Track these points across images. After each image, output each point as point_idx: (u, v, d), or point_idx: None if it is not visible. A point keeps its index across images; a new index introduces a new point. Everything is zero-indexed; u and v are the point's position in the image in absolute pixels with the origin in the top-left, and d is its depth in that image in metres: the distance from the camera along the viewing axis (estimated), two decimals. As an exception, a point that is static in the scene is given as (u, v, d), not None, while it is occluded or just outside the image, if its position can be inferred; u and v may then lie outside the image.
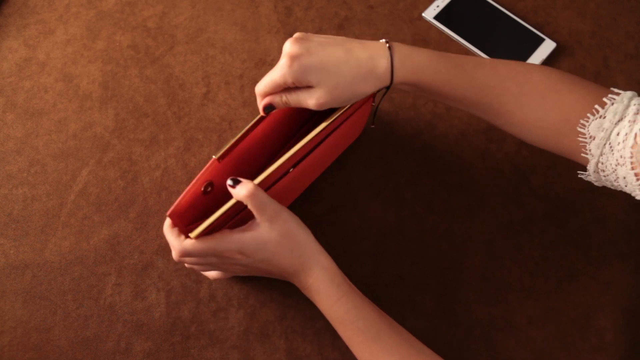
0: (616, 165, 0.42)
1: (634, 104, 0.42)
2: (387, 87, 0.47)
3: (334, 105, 0.46)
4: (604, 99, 0.43)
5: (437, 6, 0.70)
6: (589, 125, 0.43)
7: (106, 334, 0.55)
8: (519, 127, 0.48)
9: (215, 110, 0.65)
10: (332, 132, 0.52)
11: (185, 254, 0.45)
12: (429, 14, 0.70)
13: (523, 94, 0.46)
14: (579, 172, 0.48)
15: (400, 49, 0.46)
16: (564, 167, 0.62)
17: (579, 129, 0.44)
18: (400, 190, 0.61)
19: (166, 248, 0.58)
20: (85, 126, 0.65)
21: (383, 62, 0.45)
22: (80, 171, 0.62)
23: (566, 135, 0.45)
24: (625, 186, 0.43)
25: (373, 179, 0.62)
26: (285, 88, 0.46)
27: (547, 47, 0.67)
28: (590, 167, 0.45)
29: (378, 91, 0.49)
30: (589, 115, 0.43)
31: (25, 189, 0.61)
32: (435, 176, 0.62)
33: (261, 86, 0.46)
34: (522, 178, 0.61)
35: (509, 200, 0.61)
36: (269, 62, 0.68)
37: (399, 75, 0.46)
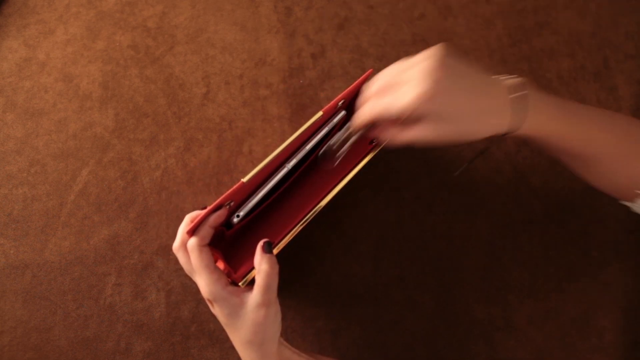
0: None
1: None
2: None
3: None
4: None
5: None
6: None
7: (106, 334, 0.55)
8: (600, 175, 0.48)
9: (215, 110, 0.65)
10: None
11: (182, 245, 0.46)
12: None
13: (617, 145, 0.46)
14: (621, 201, 0.49)
15: (533, 103, 0.43)
16: (564, 167, 0.62)
17: None
18: (400, 190, 0.61)
19: (166, 248, 0.58)
20: (85, 126, 0.65)
21: (518, 117, 0.43)
22: (80, 171, 0.62)
23: (635, 175, 0.46)
24: None
25: (373, 179, 0.62)
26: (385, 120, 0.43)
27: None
28: (638, 201, 0.46)
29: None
30: None
31: (25, 189, 0.61)
32: (435, 176, 0.62)
33: (371, 111, 0.43)
34: (522, 178, 0.61)
35: (509, 200, 0.61)
36: (269, 62, 0.68)
37: (525, 130, 0.44)
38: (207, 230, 0.44)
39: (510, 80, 0.44)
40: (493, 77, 0.44)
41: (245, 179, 0.45)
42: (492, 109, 0.42)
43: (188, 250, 0.45)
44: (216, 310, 0.45)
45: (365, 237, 0.59)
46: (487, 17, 0.71)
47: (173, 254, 0.58)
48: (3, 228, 0.59)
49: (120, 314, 0.56)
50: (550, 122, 0.44)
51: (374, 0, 0.72)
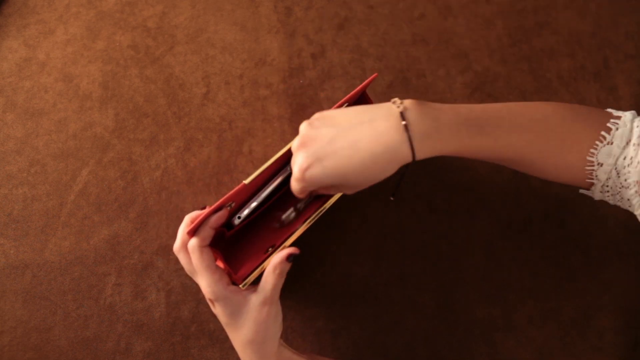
0: (620, 188, 0.43)
1: (637, 126, 0.43)
2: (407, 166, 0.44)
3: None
4: (608, 124, 0.43)
5: None
6: (598, 153, 0.43)
7: (106, 334, 0.55)
8: (540, 173, 0.47)
9: (215, 110, 0.65)
10: None
11: (183, 246, 0.46)
12: None
13: (540, 141, 0.45)
14: (580, 190, 0.48)
15: (418, 128, 0.40)
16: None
17: (589, 158, 0.44)
18: (400, 190, 0.61)
19: (166, 248, 0.58)
20: (85, 126, 0.65)
21: (403, 151, 0.40)
22: (80, 171, 0.62)
23: (577, 167, 0.45)
24: (629, 207, 0.44)
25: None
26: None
27: None
28: (596, 189, 0.45)
29: None
30: (597, 143, 0.43)
31: (25, 189, 0.61)
32: (435, 176, 0.62)
33: (296, 193, 0.45)
34: (522, 178, 0.61)
35: (509, 200, 0.61)
36: (269, 62, 0.68)
37: (420, 156, 0.41)
38: (207, 231, 0.44)
39: (394, 108, 0.42)
40: (373, 112, 0.42)
41: (247, 181, 0.45)
42: (375, 154, 0.40)
43: (189, 251, 0.45)
44: (218, 310, 0.45)
45: (365, 237, 0.59)
46: (487, 17, 0.71)
47: (173, 254, 0.58)
48: (3, 228, 0.59)
49: (120, 314, 0.56)
50: (448, 142, 0.42)
51: (374, 0, 0.72)
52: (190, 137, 0.64)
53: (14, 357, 0.54)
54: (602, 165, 0.44)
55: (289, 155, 0.48)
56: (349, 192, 0.44)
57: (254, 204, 0.49)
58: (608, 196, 0.46)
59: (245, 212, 0.48)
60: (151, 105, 0.66)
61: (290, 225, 0.49)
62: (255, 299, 0.44)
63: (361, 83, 0.51)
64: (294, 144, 0.43)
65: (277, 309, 0.45)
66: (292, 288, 0.57)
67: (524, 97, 0.66)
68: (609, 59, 0.68)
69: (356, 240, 0.59)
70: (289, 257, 0.45)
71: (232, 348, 0.54)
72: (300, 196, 0.45)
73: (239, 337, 0.45)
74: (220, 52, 0.69)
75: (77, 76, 0.67)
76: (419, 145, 0.40)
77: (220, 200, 0.44)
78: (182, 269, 0.57)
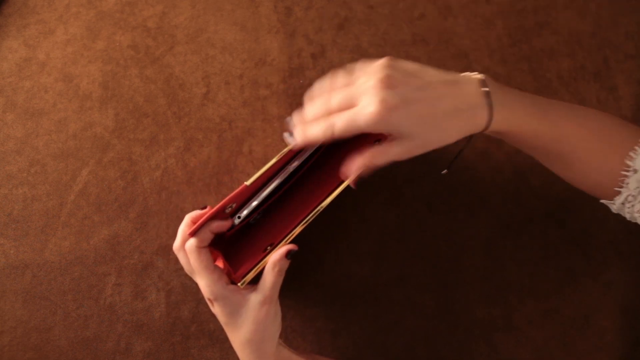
0: None
1: None
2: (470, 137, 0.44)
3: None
4: None
5: None
6: (637, 158, 0.44)
7: (106, 334, 0.55)
8: (578, 172, 0.48)
9: (215, 110, 0.65)
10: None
11: (182, 245, 0.46)
12: None
13: (593, 139, 0.45)
14: (602, 200, 0.48)
15: (498, 98, 0.42)
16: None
17: (627, 161, 0.44)
18: (400, 190, 0.61)
19: (166, 248, 0.58)
20: (85, 126, 0.65)
21: (483, 116, 0.41)
22: (80, 171, 0.62)
23: (615, 171, 0.45)
24: None
25: (373, 179, 0.62)
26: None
27: None
28: (620, 198, 0.45)
29: None
30: (636, 147, 0.44)
31: (25, 189, 0.61)
32: (435, 176, 0.62)
33: (340, 128, 0.39)
34: (522, 178, 0.61)
35: (509, 200, 0.61)
36: (269, 62, 0.68)
37: (493, 127, 0.42)
38: (207, 234, 0.45)
39: (473, 76, 0.43)
40: (455, 75, 0.43)
41: (248, 182, 0.45)
42: (458, 110, 0.40)
43: (187, 251, 0.45)
44: (217, 310, 0.45)
45: (365, 237, 0.59)
46: (487, 17, 0.71)
47: (173, 254, 0.58)
48: (3, 228, 0.59)
49: (120, 314, 0.56)
50: (519, 117, 0.43)
51: (374, 0, 0.72)
52: (190, 137, 0.64)
53: (14, 357, 0.54)
54: (636, 172, 0.44)
55: (290, 154, 0.48)
56: (414, 150, 0.41)
57: (254, 204, 0.49)
58: (628, 207, 0.45)
59: (245, 212, 0.48)
60: (151, 105, 0.66)
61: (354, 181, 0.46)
62: (254, 298, 0.44)
63: None
64: (367, 82, 0.39)
65: (277, 309, 0.45)
66: (292, 288, 0.57)
67: (524, 97, 0.66)
68: (609, 59, 0.68)
69: (356, 240, 0.59)
70: (288, 254, 0.45)
71: (232, 348, 0.54)
72: (373, 129, 0.39)
73: (238, 336, 0.45)
74: (220, 52, 0.69)
75: (77, 76, 0.67)
76: (495, 113, 0.41)
77: (222, 202, 0.44)
78: (182, 268, 0.57)
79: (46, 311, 0.56)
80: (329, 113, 0.41)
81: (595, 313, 0.56)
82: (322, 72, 0.67)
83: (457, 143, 0.43)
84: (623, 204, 0.46)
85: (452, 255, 0.58)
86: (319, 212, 0.48)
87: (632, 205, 0.45)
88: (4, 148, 0.63)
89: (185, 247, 0.45)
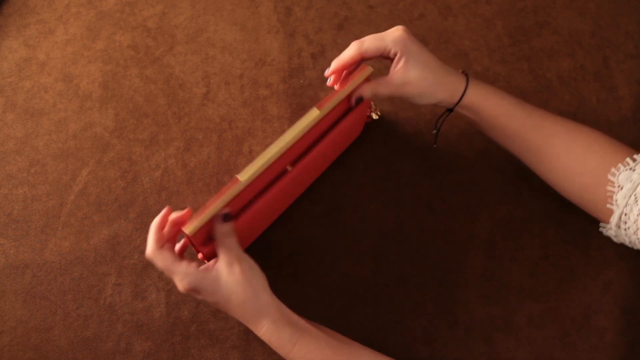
0: (637, 216, 0.45)
1: None
2: (450, 110, 0.53)
3: (409, 97, 0.52)
4: (635, 156, 0.47)
5: None
6: (619, 175, 0.46)
7: (106, 334, 0.55)
8: (559, 173, 0.51)
9: (215, 110, 0.65)
10: (329, 129, 0.52)
11: (150, 258, 0.46)
12: None
13: (571, 139, 0.50)
14: (600, 225, 0.51)
15: (476, 81, 0.52)
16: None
17: (610, 177, 0.47)
18: (400, 190, 0.61)
19: (166, 248, 0.58)
20: (85, 126, 0.65)
21: (461, 83, 0.51)
22: (80, 171, 0.62)
23: (599, 184, 0.48)
24: None
25: (373, 179, 0.62)
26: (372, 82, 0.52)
27: None
28: (614, 219, 0.47)
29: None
30: (620, 165, 0.47)
31: (25, 189, 0.61)
32: (435, 176, 0.62)
33: (365, 47, 0.50)
34: (522, 178, 0.61)
35: (509, 200, 0.61)
36: (269, 62, 0.68)
37: (468, 95, 0.51)
38: (159, 234, 0.46)
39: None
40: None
41: (241, 178, 0.45)
42: (449, 71, 0.51)
43: (149, 259, 0.46)
44: (202, 295, 0.46)
45: (365, 237, 0.59)
46: (487, 17, 0.71)
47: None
48: (3, 228, 0.59)
49: (120, 314, 0.56)
50: (493, 94, 0.51)
51: (374, 0, 0.72)
52: (190, 137, 0.64)
53: (14, 357, 0.54)
54: (621, 188, 0.46)
55: (288, 154, 0.48)
56: (415, 98, 0.52)
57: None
58: (625, 229, 0.47)
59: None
60: (151, 105, 0.66)
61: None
62: (221, 265, 0.45)
63: (360, 82, 0.51)
64: (396, 33, 0.50)
65: (249, 263, 0.46)
66: (292, 288, 0.57)
67: (524, 97, 0.66)
68: (609, 59, 0.68)
69: (356, 240, 0.59)
70: (224, 217, 0.46)
71: (232, 348, 0.54)
72: (395, 48, 0.49)
73: (233, 305, 0.45)
74: (220, 52, 0.69)
75: (77, 76, 0.68)
76: (471, 86, 0.51)
77: (217, 208, 0.45)
78: (182, 269, 0.57)
79: (46, 311, 0.56)
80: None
81: (595, 313, 0.56)
82: (322, 72, 0.67)
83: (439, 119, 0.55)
84: (619, 226, 0.47)
85: (452, 255, 0.58)
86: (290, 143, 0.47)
87: (628, 227, 0.46)
88: (4, 148, 0.63)
89: (146, 256, 0.46)
